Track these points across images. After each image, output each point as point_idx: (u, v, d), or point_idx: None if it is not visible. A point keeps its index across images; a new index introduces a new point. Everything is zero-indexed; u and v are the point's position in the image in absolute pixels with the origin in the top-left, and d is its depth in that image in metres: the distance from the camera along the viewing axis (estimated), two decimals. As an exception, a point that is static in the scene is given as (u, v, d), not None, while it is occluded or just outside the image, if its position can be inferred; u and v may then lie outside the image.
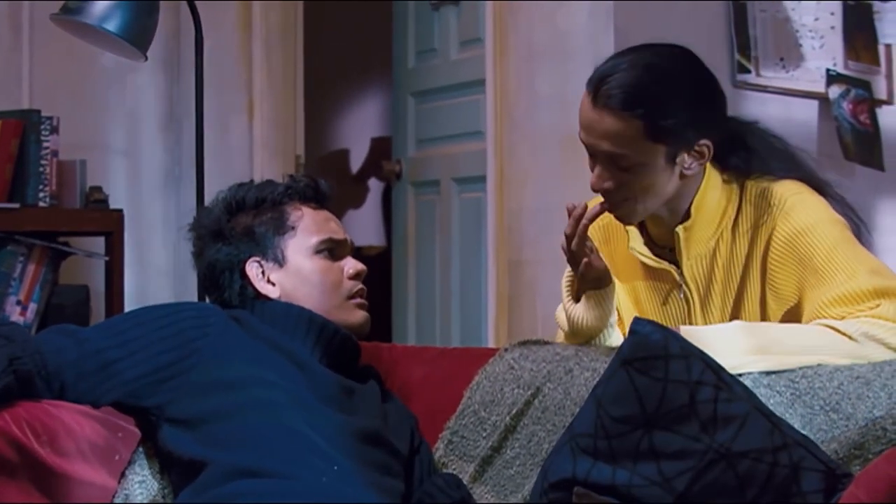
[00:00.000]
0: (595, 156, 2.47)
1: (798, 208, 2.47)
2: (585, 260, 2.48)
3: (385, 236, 7.06)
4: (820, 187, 2.54)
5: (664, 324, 2.50)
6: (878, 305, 2.37)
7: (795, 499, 2.07)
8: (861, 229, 2.54)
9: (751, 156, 2.54)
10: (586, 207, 2.48)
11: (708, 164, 2.51)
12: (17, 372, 2.26)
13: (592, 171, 2.49)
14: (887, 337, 2.35)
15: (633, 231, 2.57)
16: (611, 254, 2.63)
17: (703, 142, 2.45)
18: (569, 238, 2.49)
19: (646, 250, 2.56)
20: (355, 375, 2.51)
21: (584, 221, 2.47)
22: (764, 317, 2.51)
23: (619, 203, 2.49)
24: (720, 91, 2.52)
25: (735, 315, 2.52)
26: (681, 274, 2.55)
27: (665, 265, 2.56)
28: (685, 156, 2.45)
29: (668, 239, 2.56)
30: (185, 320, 2.40)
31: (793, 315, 2.47)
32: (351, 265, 2.56)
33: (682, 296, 2.56)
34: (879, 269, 2.42)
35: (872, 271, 2.41)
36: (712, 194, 2.52)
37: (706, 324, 2.54)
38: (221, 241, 2.53)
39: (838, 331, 2.35)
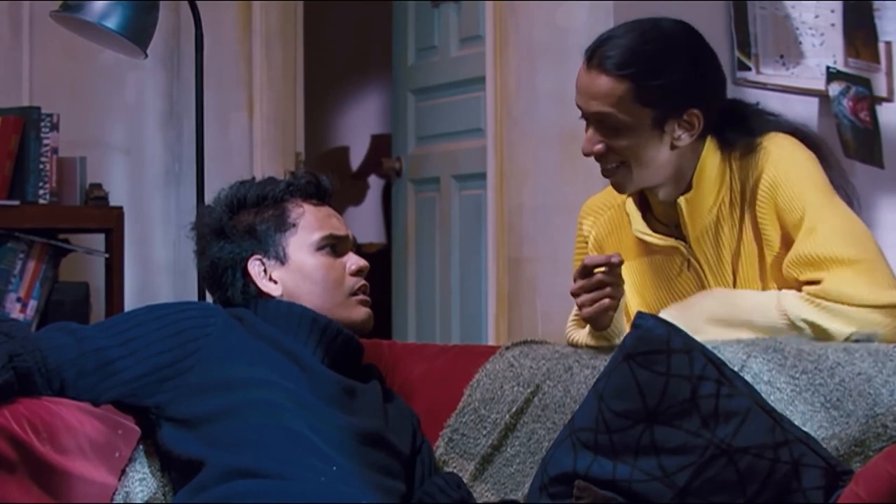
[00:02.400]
0: (587, 119, 2.51)
1: (781, 158, 2.50)
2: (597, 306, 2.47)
3: (385, 233, 7.06)
4: (814, 145, 2.58)
5: (676, 301, 2.53)
6: (820, 281, 2.41)
7: (796, 495, 2.07)
8: (852, 200, 2.57)
9: (750, 130, 2.57)
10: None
11: (709, 138, 2.54)
12: (16, 369, 2.26)
13: None
14: (825, 322, 2.40)
15: (635, 214, 2.59)
16: (617, 243, 2.64)
17: (692, 111, 2.48)
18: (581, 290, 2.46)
19: (649, 230, 2.57)
20: (357, 375, 2.51)
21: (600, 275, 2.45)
22: (762, 269, 2.53)
23: (612, 170, 2.52)
24: (717, 66, 2.55)
25: (735, 277, 2.54)
26: (689, 248, 2.55)
27: (672, 242, 2.57)
28: (675, 125, 2.48)
29: (673, 215, 2.56)
30: (186, 320, 2.39)
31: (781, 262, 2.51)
32: (353, 261, 2.55)
33: (690, 270, 2.56)
34: (844, 231, 2.45)
35: (841, 237, 2.44)
36: (711, 163, 2.54)
37: None
38: (223, 239, 2.53)
39: (787, 317, 2.42)
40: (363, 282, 2.55)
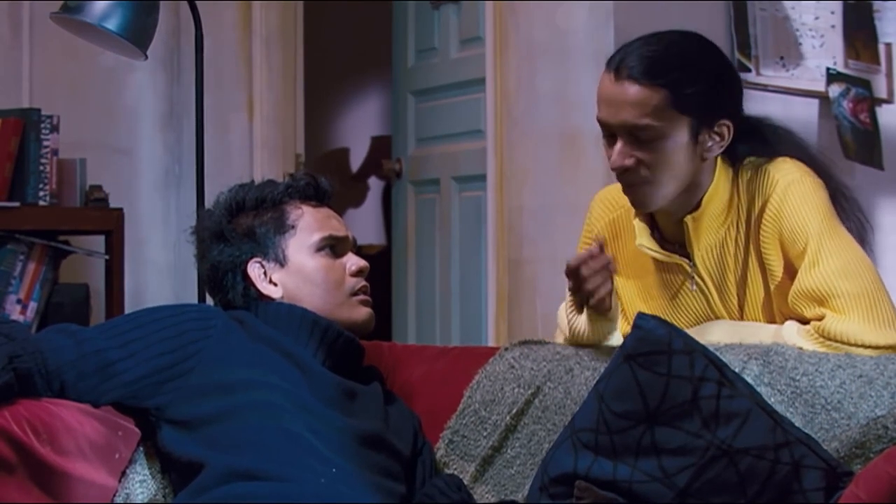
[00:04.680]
0: (616, 133, 2.45)
1: (788, 186, 2.47)
2: (597, 297, 2.45)
3: (385, 235, 7.06)
4: (822, 171, 2.54)
5: (678, 318, 2.52)
6: (822, 317, 2.39)
7: (796, 496, 2.07)
8: (864, 226, 2.55)
9: (763, 146, 2.54)
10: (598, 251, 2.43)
11: (720, 157, 2.52)
12: (16, 370, 2.26)
13: (610, 154, 2.47)
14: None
15: (641, 227, 2.56)
16: (619, 249, 2.63)
17: (723, 121, 2.46)
18: (580, 276, 2.43)
19: (655, 245, 2.55)
20: (358, 377, 2.50)
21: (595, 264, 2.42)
22: (767, 295, 2.52)
23: (637, 185, 2.47)
24: (738, 77, 2.53)
25: (742, 302, 2.53)
26: (693, 266, 2.55)
27: (676, 258, 2.55)
28: (707, 135, 2.45)
29: (678, 233, 2.55)
30: (186, 322, 2.39)
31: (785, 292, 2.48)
32: (353, 262, 2.55)
33: (694, 288, 2.55)
34: (847, 266, 2.42)
35: (843, 272, 2.41)
36: (724, 186, 2.52)
37: (727, 313, 2.55)
38: (223, 242, 2.53)
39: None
40: (364, 282, 2.55)
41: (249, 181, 2.63)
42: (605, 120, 2.46)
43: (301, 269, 2.51)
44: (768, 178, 2.49)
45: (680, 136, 2.43)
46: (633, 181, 2.47)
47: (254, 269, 2.52)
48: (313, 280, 2.51)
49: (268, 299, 2.50)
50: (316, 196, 2.58)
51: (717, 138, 2.47)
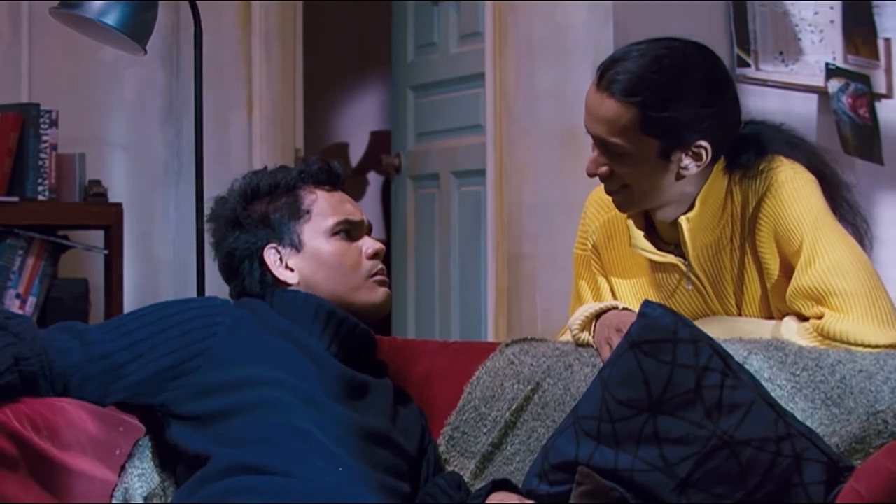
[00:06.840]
0: (593, 140, 2.48)
1: (782, 184, 2.46)
2: None
3: (385, 230, 7.06)
4: (823, 174, 2.54)
5: None
6: (821, 316, 2.39)
7: (797, 489, 2.07)
8: (864, 230, 2.54)
9: (764, 152, 2.53)
10: None
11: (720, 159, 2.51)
12: (21, 371, 2.25)
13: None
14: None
15: (635, 230, 2.56)
16: (615, 249, 2.63)
17: (701, 143, 2.44)
18: None
19: (649, 246, 2.55)
20: (371, 369, 2.50)
21: None
22: (764, 298, 2.52)
23: (614, 190, 2.50)
24: (732, 95, 2.50)
25: (739, 300, 2.53)
26: (688, 265, 2.54)
27: (671, 259, 2.55)
28: (682, 155, 2.45)
29: (674, 233, 2.55)
30: (192, 320, 2.38)
31: (783, 289, 2.48)
32: (369, 245, 2.54)
33: (690, 287, 2.55)
34: (843, 264, 2.41)
35: (839, 270, 2.40)
36: (719, 186, 2.51)
37: (724, 312, 2.55)
38: (238, 229, 2.52)
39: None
40: (380, 265, 2.53)
41: (263, 167, 2.62)
42: (585, 126, 2.49)
43: (317, 253, 2.51)
44: (762, 175, 2.48)
45: (647, 156, 2.44)
46: (609, 188, 2.51)
47: (269, 255, 2.51)
48: (329, 264, 2.50)
49: (284, 285, 2.49)
50: (329, 180, 2.58)
51: (694, 157, 2.46)
